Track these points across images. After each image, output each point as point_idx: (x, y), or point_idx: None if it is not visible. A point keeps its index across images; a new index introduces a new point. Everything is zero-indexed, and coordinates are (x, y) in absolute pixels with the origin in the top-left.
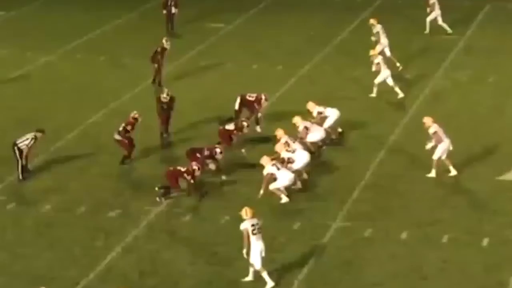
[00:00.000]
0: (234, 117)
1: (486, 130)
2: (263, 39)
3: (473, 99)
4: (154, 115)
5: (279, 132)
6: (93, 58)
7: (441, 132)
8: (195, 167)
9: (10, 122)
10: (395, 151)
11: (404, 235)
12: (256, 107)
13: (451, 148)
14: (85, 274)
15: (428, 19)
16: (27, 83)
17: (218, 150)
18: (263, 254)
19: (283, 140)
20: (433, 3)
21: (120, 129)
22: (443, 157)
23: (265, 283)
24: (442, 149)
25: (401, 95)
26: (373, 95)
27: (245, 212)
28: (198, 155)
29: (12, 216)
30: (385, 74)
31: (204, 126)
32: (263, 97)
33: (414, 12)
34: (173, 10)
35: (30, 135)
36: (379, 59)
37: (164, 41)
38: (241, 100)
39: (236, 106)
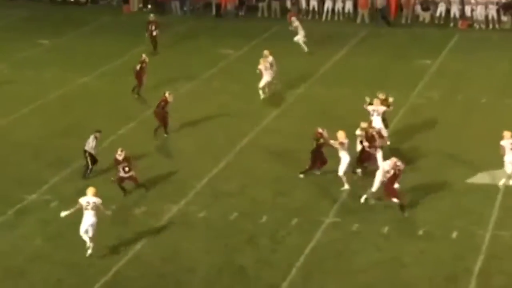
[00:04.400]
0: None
1: (455, 141)
2: None
3: (444, 115)
4: (176, 120)
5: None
6: (123, 79)
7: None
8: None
9: (53, 132)
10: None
11: (386, 229)
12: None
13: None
14: (116, 261)
15: (296, 39)
16: (67, 100)
17: None
18: (87, 227)
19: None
20: (297, 26)
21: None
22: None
23: None
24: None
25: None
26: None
27: (89, 191)
28: None
29: (55, 213)
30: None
31: (214, 136)
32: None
33: (395, 40)
34: (154, 33)
35: (91, 138)
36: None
37: (144, 57)
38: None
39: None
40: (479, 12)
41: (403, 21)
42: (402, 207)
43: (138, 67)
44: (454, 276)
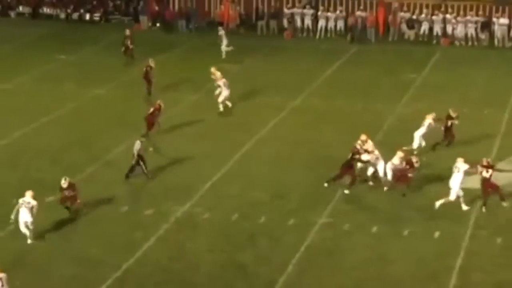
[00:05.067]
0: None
1: (439, 147)
2: (264, 76)
3: None
4: (183, 129)
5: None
6: (133, 92)
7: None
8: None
9: (69, 140)
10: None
11: (374, 229)
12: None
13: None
14: (127, 259)
15: (222, 48)
16: (82, 111)
17: None
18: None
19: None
20: (221, 35)
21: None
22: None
23: None
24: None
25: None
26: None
27: (28, 193)
28: None
29: (70, 214)
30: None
31: (217, 143)
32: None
33: (382, 57)
34: (130, 46)
35: (137, 143)
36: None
37: (150, 62)
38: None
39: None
40: (459, 31)
41: (390, 38)
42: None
43: (144, 70)
44: (436, 273)
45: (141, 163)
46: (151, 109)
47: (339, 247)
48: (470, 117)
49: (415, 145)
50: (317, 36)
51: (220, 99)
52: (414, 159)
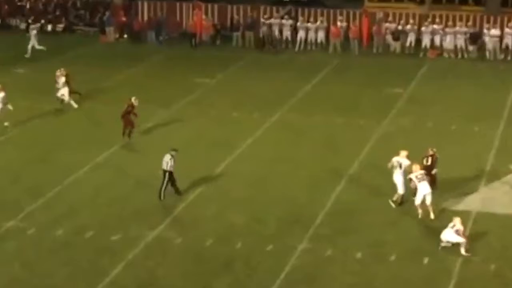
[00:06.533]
0: None
1: None
2: (241, 91)
3: (415, 141)
4: (156, 146)
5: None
6: (99, 107)
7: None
8: None
9: (31, 159)
10: (352, 182)
11: (359, 255)
12: None
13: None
14: (93, 287)
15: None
16: (44, 127)
17: None
18: None
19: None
20: (34, 34)
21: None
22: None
23: None
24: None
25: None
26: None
27: None
28: None
29: (32, 240)
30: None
31: (192, 162)
32: None
33: (366, 69)
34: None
35: (168, 157)
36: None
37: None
38: None
39: None
40: (448, 42)
41: (374, 50)
42: None
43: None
44: None
45: (167, 178)
46: (125, 106)
47: (321, 274)
48: (459, 134)
49: None
50: (296, 49)
51: (66, 98)
52: None
